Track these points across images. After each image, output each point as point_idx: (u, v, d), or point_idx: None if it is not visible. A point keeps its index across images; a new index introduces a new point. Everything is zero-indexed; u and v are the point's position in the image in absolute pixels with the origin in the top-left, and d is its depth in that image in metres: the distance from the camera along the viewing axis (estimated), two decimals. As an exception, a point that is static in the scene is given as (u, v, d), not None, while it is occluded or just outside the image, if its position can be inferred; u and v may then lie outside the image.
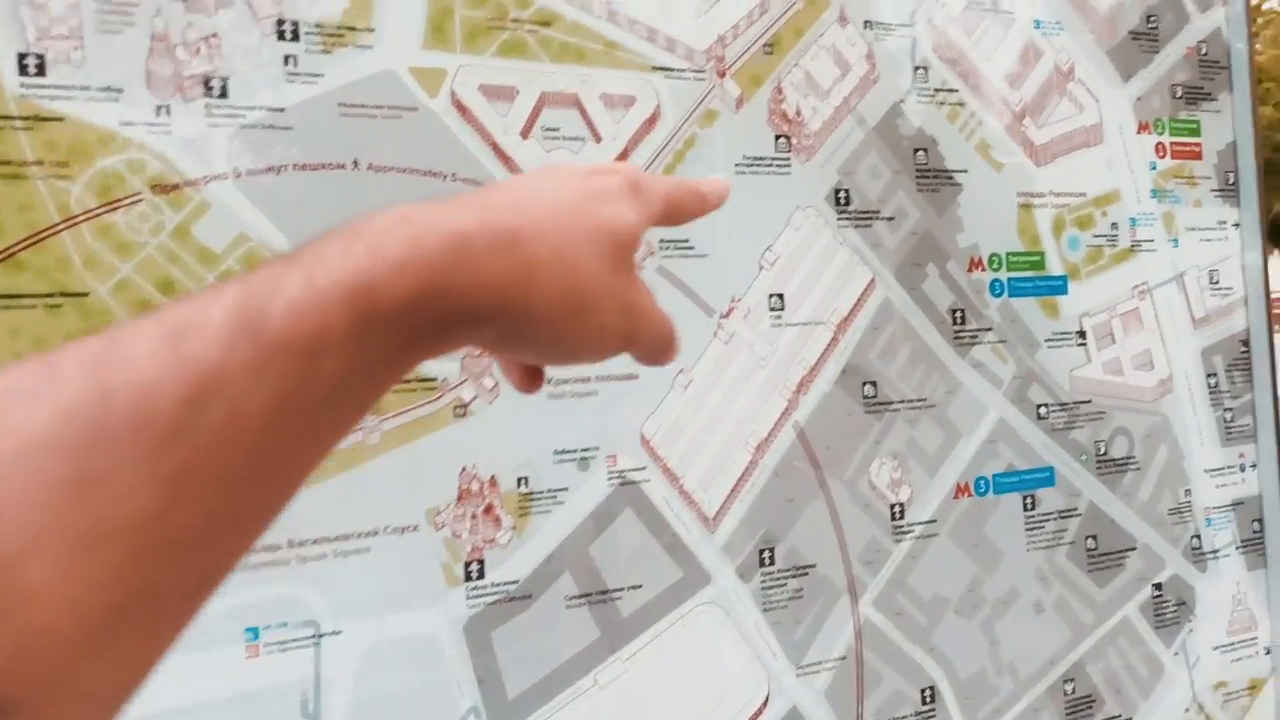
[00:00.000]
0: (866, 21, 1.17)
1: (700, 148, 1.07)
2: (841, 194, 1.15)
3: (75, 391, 0.25)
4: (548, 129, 1.00)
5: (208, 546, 0.27)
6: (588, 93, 1.02)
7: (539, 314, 0.35)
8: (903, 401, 1.18)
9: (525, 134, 0.99)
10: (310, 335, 0.29)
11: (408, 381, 0.92)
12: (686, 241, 1.06)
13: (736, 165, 1.10)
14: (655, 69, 1.05)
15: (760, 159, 1.11)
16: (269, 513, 0.30)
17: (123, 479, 0.24)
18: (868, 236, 1.17)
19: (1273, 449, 1.43)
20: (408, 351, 0.32)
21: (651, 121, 1.05)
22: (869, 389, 1.16)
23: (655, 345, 0.42)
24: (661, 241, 1.05)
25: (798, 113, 1.13)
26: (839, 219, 1.15)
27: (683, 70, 1.07)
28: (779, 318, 1.11)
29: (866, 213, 1.17)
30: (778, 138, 1.12)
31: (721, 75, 1.09)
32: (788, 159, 1.13)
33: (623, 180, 0.41)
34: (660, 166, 1.05)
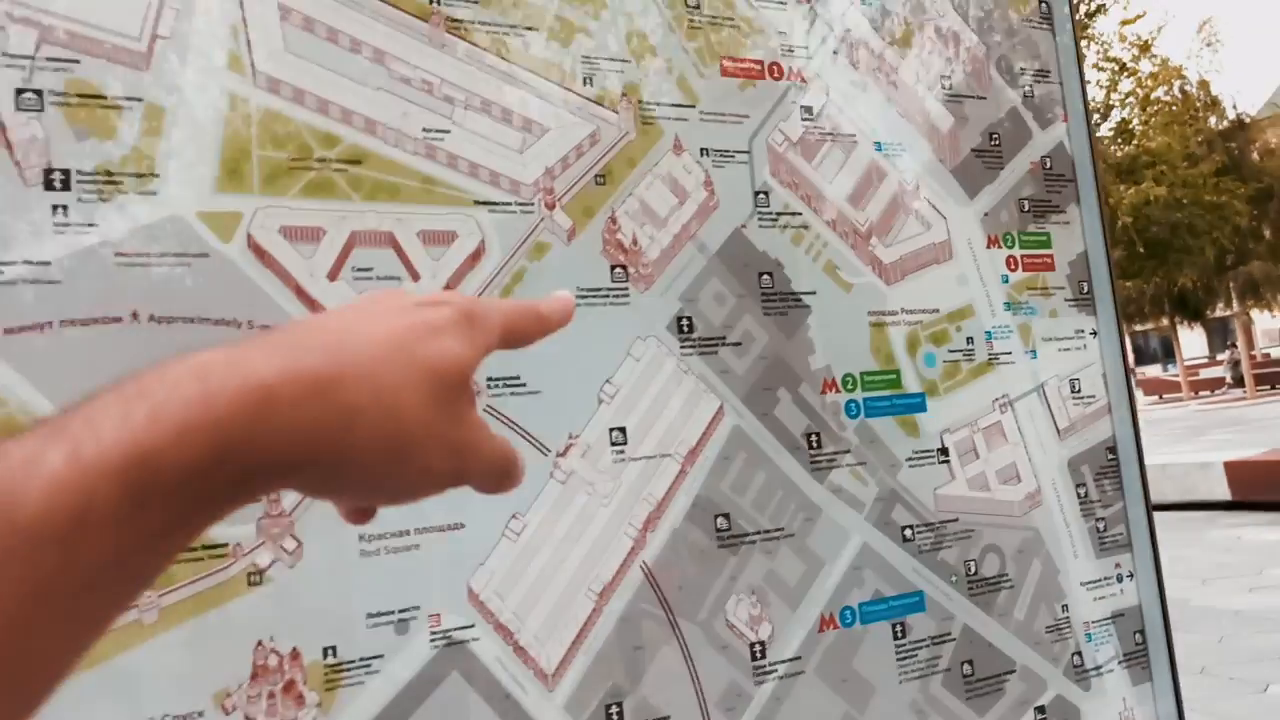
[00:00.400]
0: (703, 149, 1.16)
1: (529, 282, 1.04)
2: (684, 321, 1.12)
3: None
4: (359, 269, 0.95)
5: None
6: (404, 231, 0.98)
7: (356, 460, 0.33)
8: (759, 533, 1.13)
9: (333, 276, 0.94)
10: (71, 516, 0.26)
11: (192, 549, 0.84)
12: (517, 378, 1.01)
13: (570, 297, 1.06)
14: (478, 203, 1.02)
15: (596, 290, 1.08)
16: (23, 714, 0.27)
17: None
18: (714, 363, 1.14)
19: (1149, 556, 1.41)
20: (201, 513, 0.30)
21: (475, 257, 1.01)
22: (722, 522, 1.11)
23: (492, 477, 0.39)
24: (490, 380, 1.00)
25: (634, 242, 1.10)
26: (682, 347, 1.12)
27: (508, 204, 1.04)
28: (621, 453, 1.07)
29: (711, 339, 1.14)
30: (614, 268, 1.09)
31: (551, 207, 1.06)
32: (625, 289, 1.09)
33: (454, 311, 0.38)
34: (486, 302, 1.01)
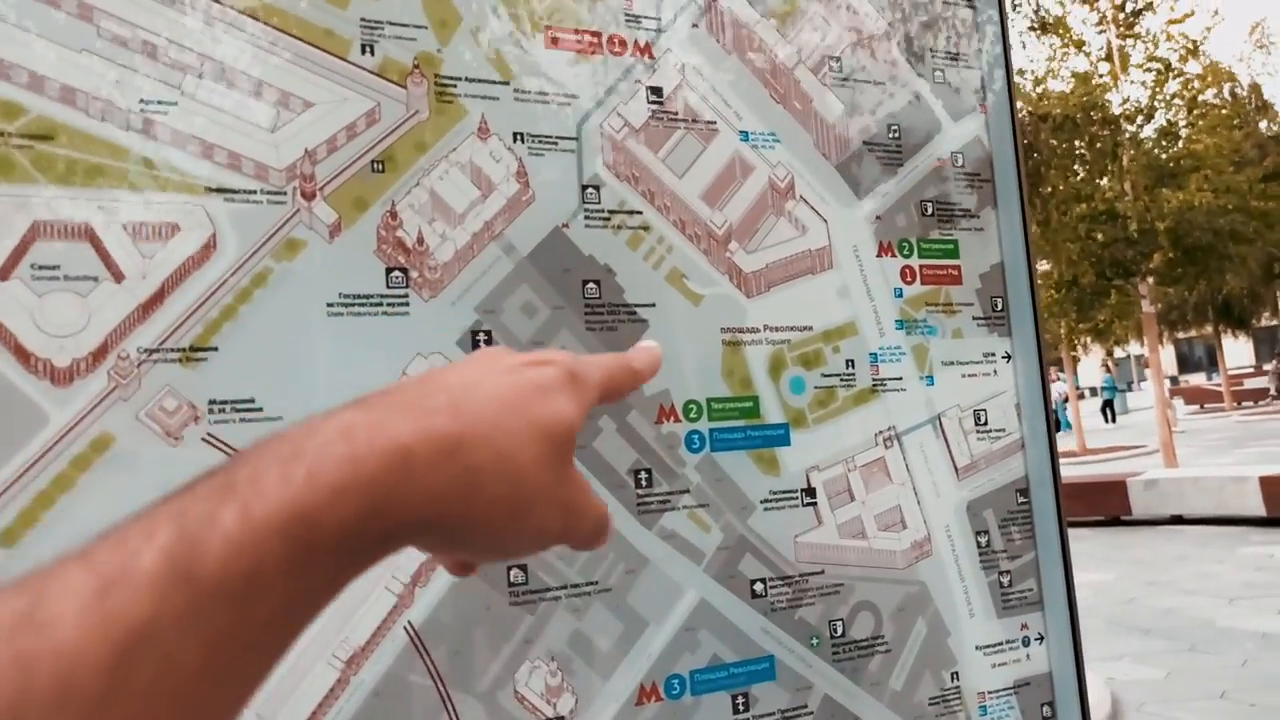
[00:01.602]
0: (517, 134, 0.99)
1: (275, 286, 0.87)
2: (481, 336, 0.95)
3: None
4: (41, 267, 0.79)
5: None
6: (107, 221, 0.82)
7: (479, 519, 0.35)
8: (564, 587, 0.96)
9: (4, 274, 0.78)
10: (246, 576, 0.28)
11: None
12: (250, 401, 0.85)
13: (330, 305, 0.89)
14: (211, 190, 0.86)
15: (365, 297, 0.91)
16: None
17: None
18: (517, 386, 0.96)
19: (1065, 615, 1.22)
20: (345, 572, 0.32)
21: (203, 254, 0.85)
22: (516, 574, 0.95)
23: (589, 536, 0.41)
24: (214, 403, 0.84)
25: (420, 240, 0.94)
26: (477, 366, 0.95)
27: (252, 192, 0.87)
28: (389, 491, 0.90)
29: (515, 358, 0.97)
30: (391, 270, 0.92)
31: (309, 197, 0.90)
32: (405, 296, 0.93)
33: (559, 371, 0.40)
34: (217, 308, 0.85)
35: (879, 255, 1.17)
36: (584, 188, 1.02)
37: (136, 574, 0.26)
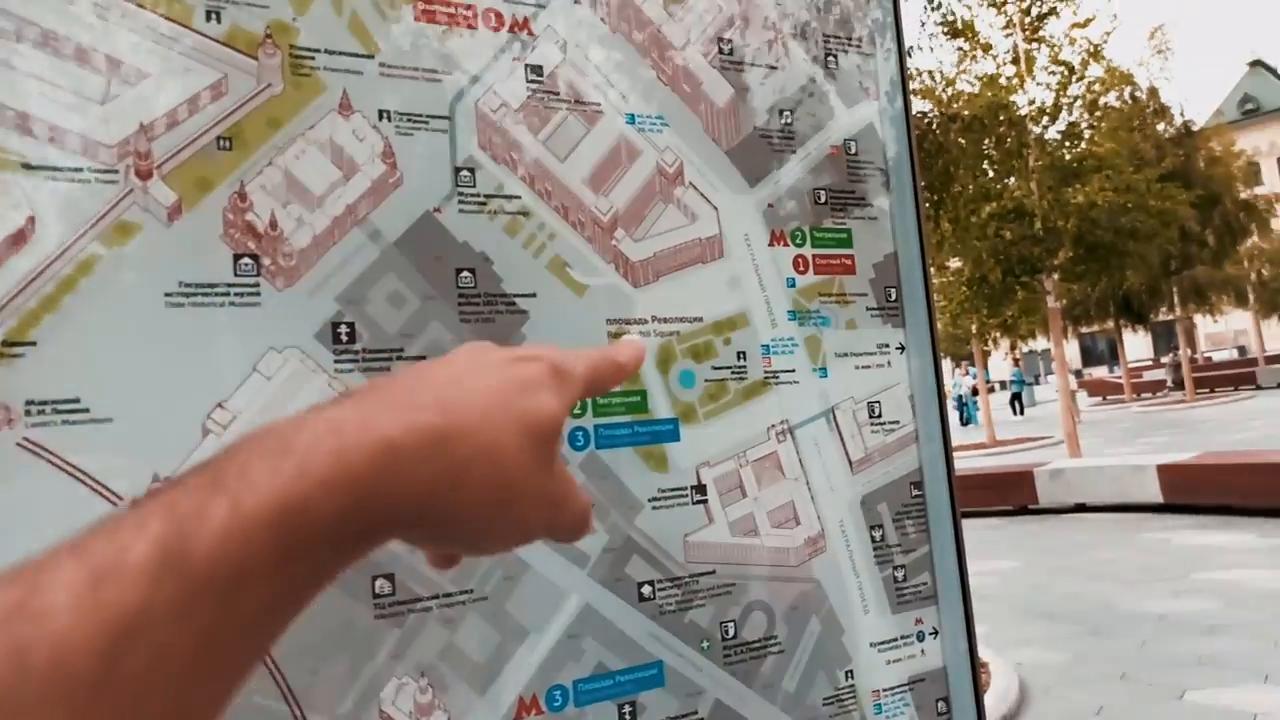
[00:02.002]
0: (382, 112, 0.92)
1: (104, 273, 0.79)
2: (343, 329, 0.88)
3: None
4: None
5: None
6: (-99, 201, 0.73)
7: (465, 512, 0.35)
8: (435, 597, 0.90)
9: None
10: (235, 567, 0.28)
11: None
12: (75, 402, 0.77)
13: (169, 295, 0.81)
14: (29, 168, 0.77)
15: (209, 286, 0.83)
16: None
17: None
18: (384, 382, 0.90)
19: (959, 609, 1.21)
20: (332, 564, 0.32)
21: (18, 239, 0.76)
22: (383, 585, 0.88)
23: (572, 529, 0.42)
24: (31, 403, 0.75)
25: (273, 224, 0.86)
26: (338, 361, 0.88)
27: (78, 169, 0.79)
28: (238, 497, 0.82)
29: (382, 351, 0.90)
30: (240, 257, 0.85)
31: (145, 176, 0.81)
32: (256, 285, 0.85)
33: (544, 367, 0.41)
34: (35, 298, 0.76)
35: (771, 244, 1.13)
36: (457, 170, 0.96)
37: (129, 565, 0.27)
